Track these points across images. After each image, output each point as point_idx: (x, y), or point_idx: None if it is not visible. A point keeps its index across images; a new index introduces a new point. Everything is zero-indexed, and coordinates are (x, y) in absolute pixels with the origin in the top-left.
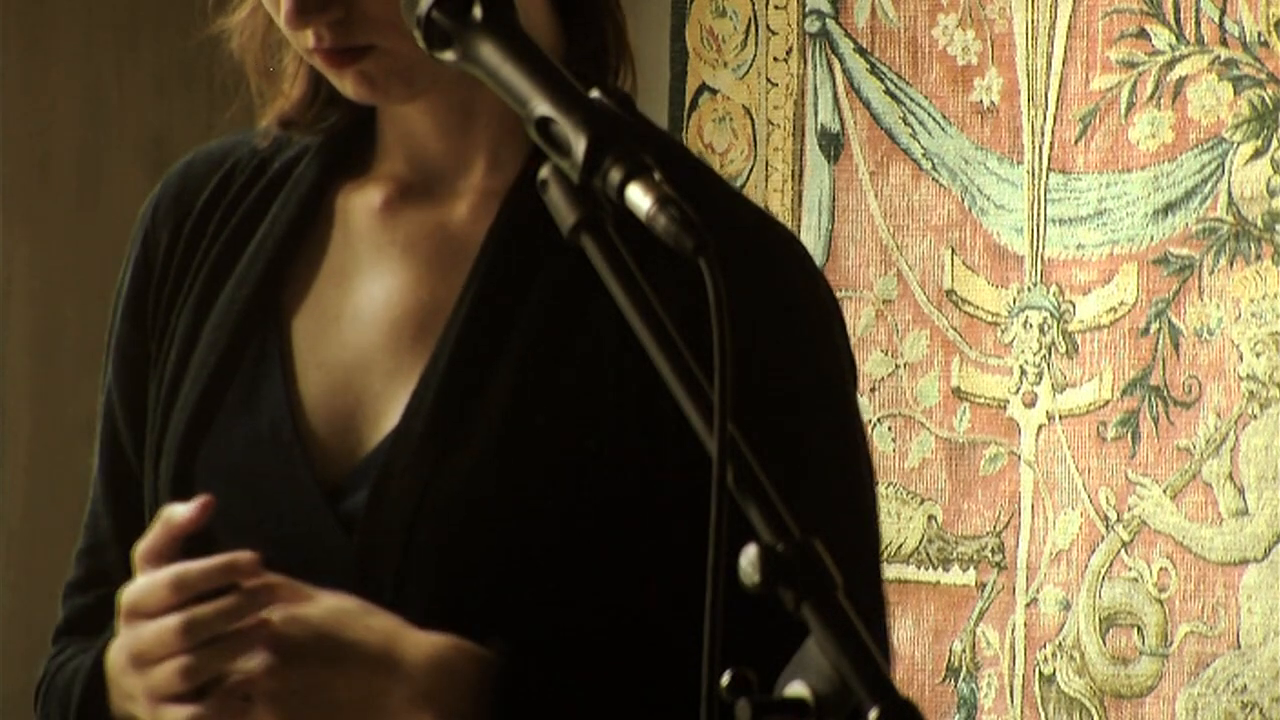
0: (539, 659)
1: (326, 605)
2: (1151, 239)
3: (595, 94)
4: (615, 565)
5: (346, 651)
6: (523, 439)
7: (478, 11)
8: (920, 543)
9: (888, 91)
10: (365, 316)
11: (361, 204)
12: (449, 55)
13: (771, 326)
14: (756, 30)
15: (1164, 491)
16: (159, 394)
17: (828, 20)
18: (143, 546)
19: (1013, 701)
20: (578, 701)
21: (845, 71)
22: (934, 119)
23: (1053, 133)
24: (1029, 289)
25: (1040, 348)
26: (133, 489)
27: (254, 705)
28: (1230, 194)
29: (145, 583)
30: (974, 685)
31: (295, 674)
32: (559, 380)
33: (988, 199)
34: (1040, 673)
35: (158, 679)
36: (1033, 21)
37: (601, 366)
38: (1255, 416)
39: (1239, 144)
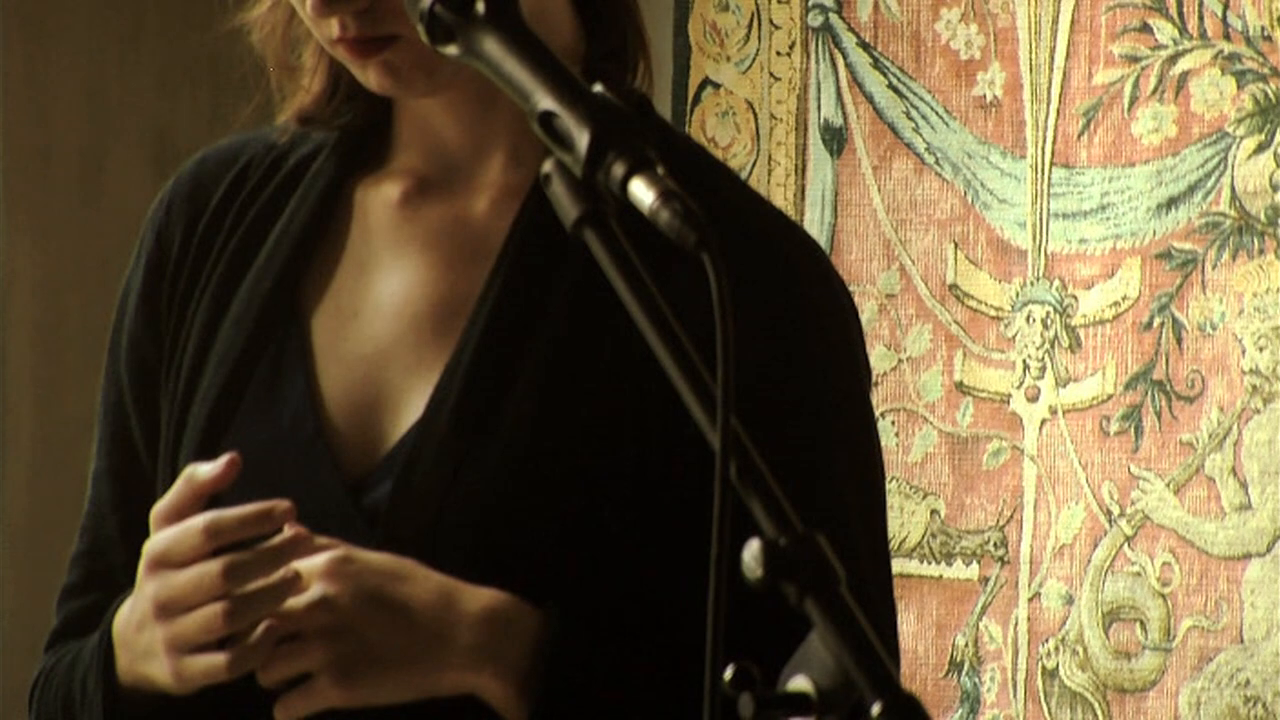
0: (591, 619)
1: (382, 555)
2: (1154, 233)
3: (599, 89)
4: (640, 558)
5: (404, 596)
6: (549, 433)
7: (481, 6)
8: (923, 537)
9: (891, 86)
10: (385, 311)
11: (379, 199)
12: (452, 49)
13: (788, 330)
14: (759, 24)
15: (1167, 486)
16: (174, 391)
17: (830, 14)
18: (161, 505)
19: (1015, 696)
20: (628, 662)
21: (848, 66)
22: (937, 113)
23: (1056, 127)
24: (1032, 283)
25: (1043, 342)
26: (144, 488)
27: (293, 650)
28: (1233, 188)
29: (175, 531)
30: (977, 679)
31: (349, 611)
32: (586, 375)
33: (991, 193)
34: (1043, 667)
35: (186, 627)
36: (1036, 16)
37: (627, 361)
38: (1258, 411)
39: (1242, 138)
